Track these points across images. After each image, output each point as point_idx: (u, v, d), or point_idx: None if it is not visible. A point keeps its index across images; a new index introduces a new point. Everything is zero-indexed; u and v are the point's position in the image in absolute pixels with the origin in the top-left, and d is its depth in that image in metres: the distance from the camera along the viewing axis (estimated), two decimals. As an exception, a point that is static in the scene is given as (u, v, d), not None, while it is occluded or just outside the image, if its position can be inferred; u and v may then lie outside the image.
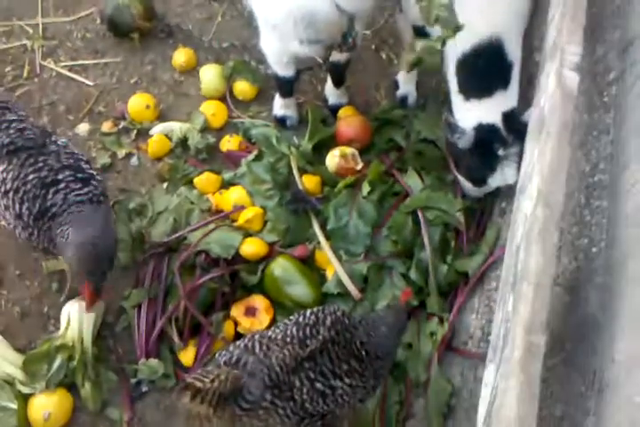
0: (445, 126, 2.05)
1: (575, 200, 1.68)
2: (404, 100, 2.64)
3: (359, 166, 2.37)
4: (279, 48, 2.21)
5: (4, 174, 1.83)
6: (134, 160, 2.47)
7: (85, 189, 1.85)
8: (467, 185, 2.22)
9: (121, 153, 2.46)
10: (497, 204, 2.31)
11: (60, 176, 1.84)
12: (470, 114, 2.04)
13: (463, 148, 2.04)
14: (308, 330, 1.70)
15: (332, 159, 2.38)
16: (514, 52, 1.99)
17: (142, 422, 2.02)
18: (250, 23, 2.52)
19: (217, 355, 1.70)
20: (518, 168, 1.97)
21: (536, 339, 1.32)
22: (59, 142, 1.94)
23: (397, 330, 1.79)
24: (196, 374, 1.58)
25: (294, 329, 1.70)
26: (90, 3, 2.84)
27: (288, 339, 1.67)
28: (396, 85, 2.65)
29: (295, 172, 2.33)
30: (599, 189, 1.60)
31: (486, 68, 1.98)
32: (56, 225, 1.80)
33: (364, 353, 1.71)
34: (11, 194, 1.81)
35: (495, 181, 2.08)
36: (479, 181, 2.13)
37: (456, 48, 1.99)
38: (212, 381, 1.52)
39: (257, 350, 1.65)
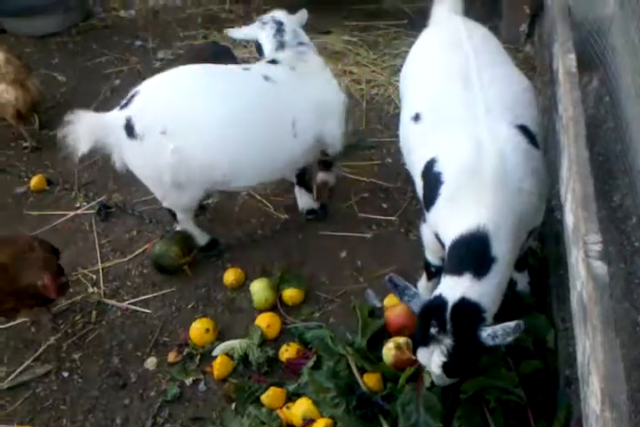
0: (392, 287, 1.97)
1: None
2: None
3: (415, 355, 2.26)
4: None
5: None
6: (202, 386, 2.41)
7: None
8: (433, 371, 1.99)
9: (188, 380, 2.42)
10: (561, 372, 2.13)
11: None
12: (441, 287, 1.93)
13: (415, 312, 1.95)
14: None
15: (389, 353, 2.31)
16: (499, 247, 1.88)
17: None
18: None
19: None
20: (445, 367, 1.86)
21: None
22: None
23: None
24: None
25: None
26: (142, 241, 2.98)
27: None
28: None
29: (355, 373, 2.26)
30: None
31: (464, 253, 1.90)
32: None
33: None
34: None
35: (422, 356, 1.92)
36: (414, 347, 1.99)
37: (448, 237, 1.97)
38: None
39: None
